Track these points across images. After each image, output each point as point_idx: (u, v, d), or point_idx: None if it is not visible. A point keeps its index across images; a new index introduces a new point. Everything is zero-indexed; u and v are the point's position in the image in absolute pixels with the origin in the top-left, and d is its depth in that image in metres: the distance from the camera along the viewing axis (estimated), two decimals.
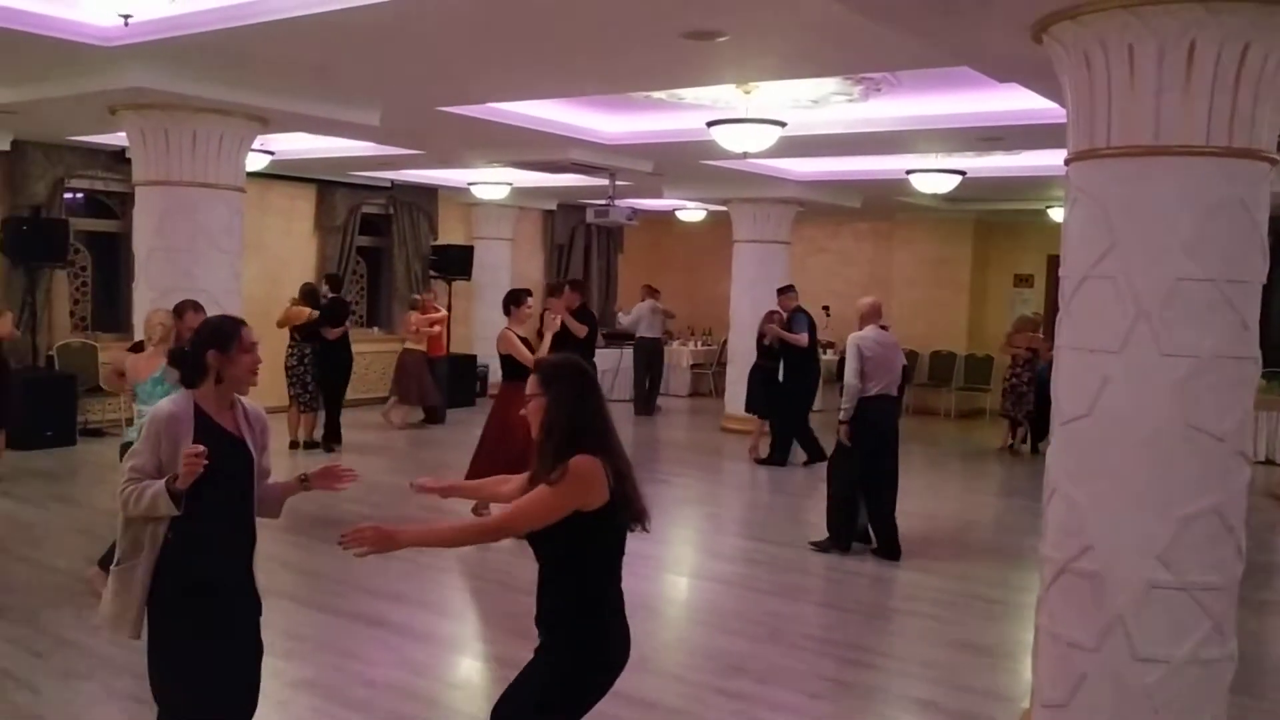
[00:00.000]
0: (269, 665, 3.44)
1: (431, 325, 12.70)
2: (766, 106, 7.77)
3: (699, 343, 17.43)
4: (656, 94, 7.92)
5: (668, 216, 17.06)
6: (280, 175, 12.51)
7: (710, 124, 7.91)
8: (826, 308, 12.54)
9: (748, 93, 7.44)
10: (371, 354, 13.90)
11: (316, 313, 10.73)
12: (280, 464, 6.50)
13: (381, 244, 14.91)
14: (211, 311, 4.96)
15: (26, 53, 6.45)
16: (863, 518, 7.51)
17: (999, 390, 13.10)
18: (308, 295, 10.91)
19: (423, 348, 12.58)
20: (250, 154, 8.00)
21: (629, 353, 15.06)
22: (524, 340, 7.68)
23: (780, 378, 10.70)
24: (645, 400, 14.67)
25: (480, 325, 15.07)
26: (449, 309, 13.60)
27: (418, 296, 13.36)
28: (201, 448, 3.00)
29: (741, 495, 10.24)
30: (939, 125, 8.13)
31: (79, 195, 11.82)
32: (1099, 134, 3.81)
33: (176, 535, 3.11)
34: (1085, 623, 3.84)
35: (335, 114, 7.74)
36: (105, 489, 7.68)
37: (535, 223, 16.85)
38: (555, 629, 3.02)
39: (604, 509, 2.94)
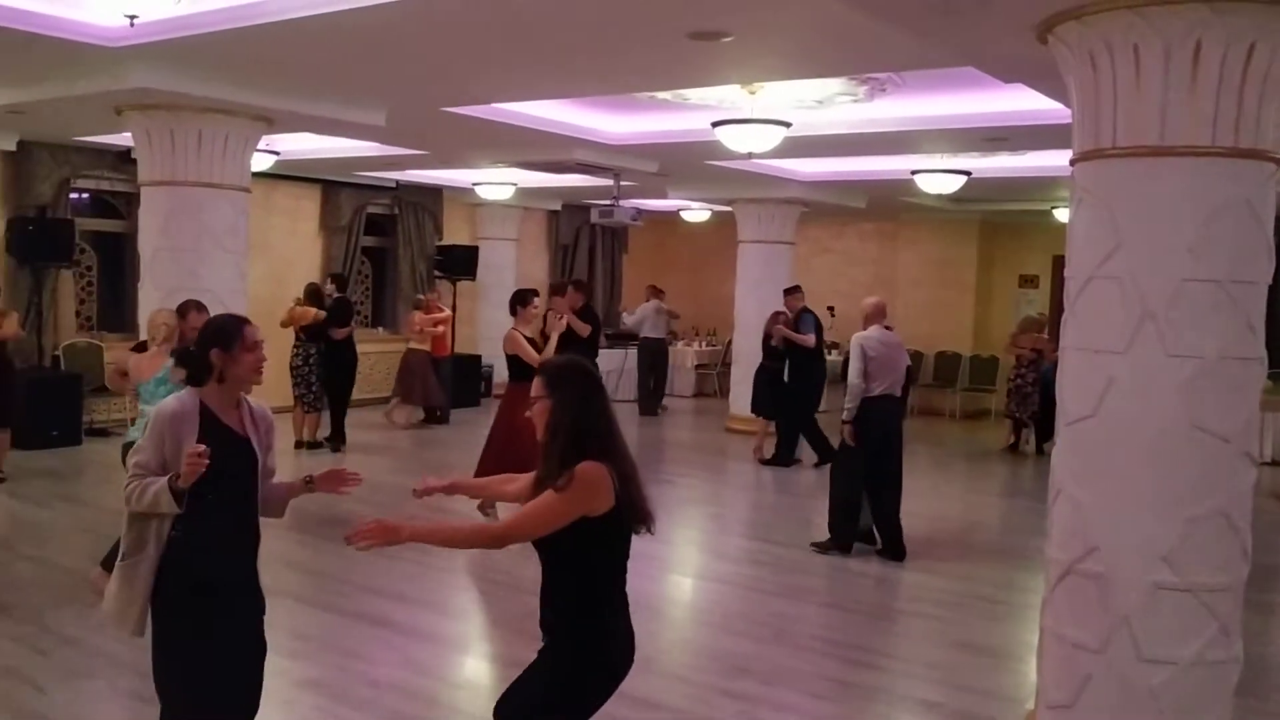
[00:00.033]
0: (273, 664, 3.44)
1: (435, 325, 12.71)
2: (771, 107, 7.77)
3: (704, 343, 17.41)
4: (661, 94, 7.92)
5: (672, 217, 17.03)
6: (285, 175, 12.52)
7: (715, 124, 7.90)
8: (831, 308, 12.52)
9: (753, 93, 7.44)
10: (376, 354, 13.92)
11: (324, 313, 10.74)
12: (285, 464, 6.51)
13: (386, 244, 14.92)
14: (216, 312, 4.96)
15: (33, 53, 6.46)
16: (867, 518, 7.49)
17: (1004, 391, 13.09)
18: (312, 295, 10.91)
19: (427, 348, 12.59)
20: (255, 154, 8.01)
21: (633, 353, 15.04)
22: (530, 341, 7.70)
23: (786, 378, 10.70)
24: (650, 400, 14.67)
25: (485, 325, 15.04)
26: (454, 309, 13.61)
27: (421, 296, 13.35)
28: (203, 448, 3.00)
29: (746, 496, 10.23)
30: (944, 125, 8.11)
31: (84, 195, 11.85)
32: (1104, 134, 3.81)
33: (181, 533, 3.11)
34: (1090, 624, 3.83)
35: (340, 114, 7.75)
36: (110, 488, 7.67)
37: (540, 223, 16.84)
38: (557, 630, 3.02)
39: (610, 514, 2.92)
